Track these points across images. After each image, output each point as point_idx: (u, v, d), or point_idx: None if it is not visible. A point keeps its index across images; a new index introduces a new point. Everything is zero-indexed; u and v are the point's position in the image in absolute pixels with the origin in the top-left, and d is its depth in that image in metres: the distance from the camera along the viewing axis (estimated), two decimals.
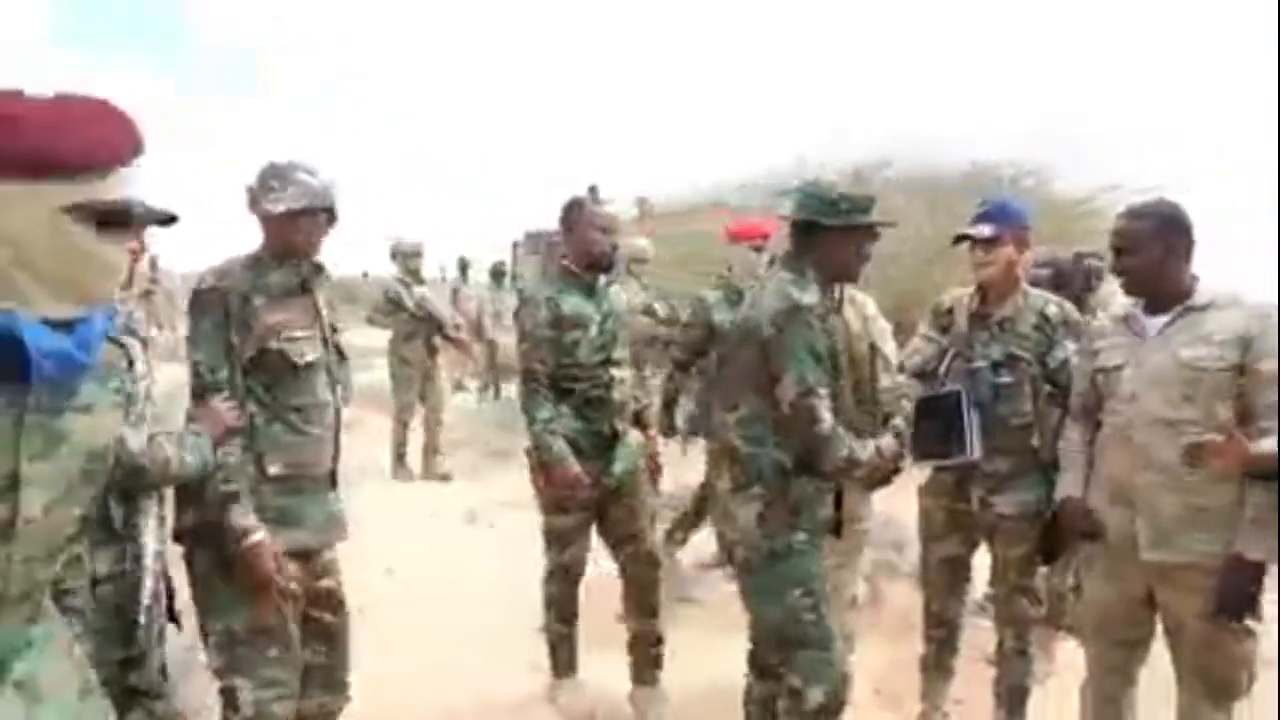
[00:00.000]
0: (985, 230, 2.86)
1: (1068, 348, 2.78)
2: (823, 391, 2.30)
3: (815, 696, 2.34)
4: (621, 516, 3.29)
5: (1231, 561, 2.23)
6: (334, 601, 2.48)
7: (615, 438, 3.24)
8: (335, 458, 2.41)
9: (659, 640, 3.31)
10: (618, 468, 3.24)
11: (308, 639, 2.39)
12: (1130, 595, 2.44)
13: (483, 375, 9.58)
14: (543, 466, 3.17)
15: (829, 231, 2.40)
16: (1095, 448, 2.55)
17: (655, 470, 3.53)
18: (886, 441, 2.48)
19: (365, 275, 25.92)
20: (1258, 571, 2.23)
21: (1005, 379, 2.82)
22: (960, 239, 2.94)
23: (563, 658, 3.39)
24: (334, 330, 2.46)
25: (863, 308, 3.23)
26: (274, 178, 2.30)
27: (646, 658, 3.29)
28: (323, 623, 2.45)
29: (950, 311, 2.99)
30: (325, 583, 2.45)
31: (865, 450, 2.39)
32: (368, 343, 18.23)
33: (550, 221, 11.51)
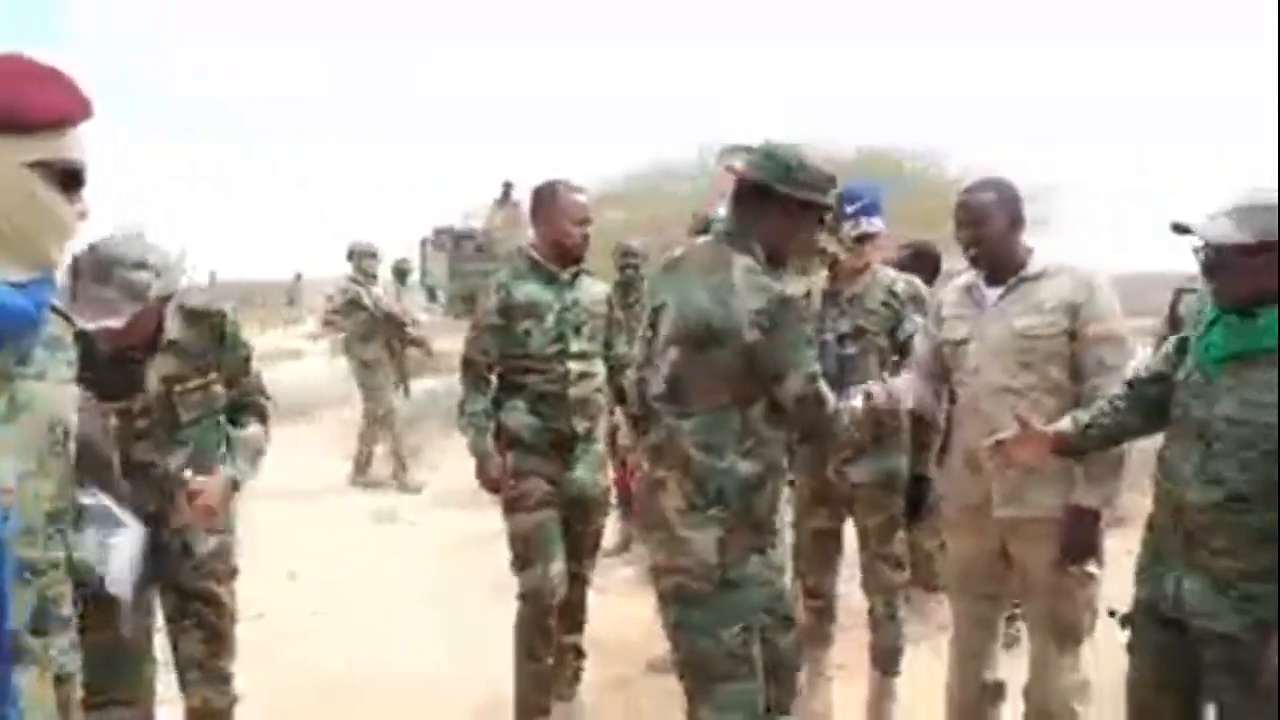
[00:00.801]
0: (878, 224, 2.98)
1: (916, 321, 2.91)
2: (820, 377, 2.20)
3: None
4: (575, 537, 3.07)
5: (1071, 511, 2.38)
6: (214, 599, 2.47)
7: (576, 439, 3.01)
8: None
9: (580, 654, 3.21)
10: (578, 473, 3.02)
11: (190, 633, 2.41)
12: (987, 551, 2.58)
13: (392, 374, 9.44)
14: (478, 469, 3.01)
15: (779, 201, 2.17)
16: (952, 419, 2.70)
17: (621, 488, 3.38)
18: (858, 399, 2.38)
19: (299, 277, 25.36)
20: (1095, 519, 2.38)
21: (850, 350, 2.95)
22: (861, 238, 2.97)
23: (527, 700, 3.01)
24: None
25: None
26: (93, 276, 1.99)
27: (563, 672, 3.16)
28: (204, 619, 2.44)
29: (809, 294, 3.08)
30: (204, 583, 2.44)
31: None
32: (272, 344, 17.81)
33: (456, 218, 11.40)
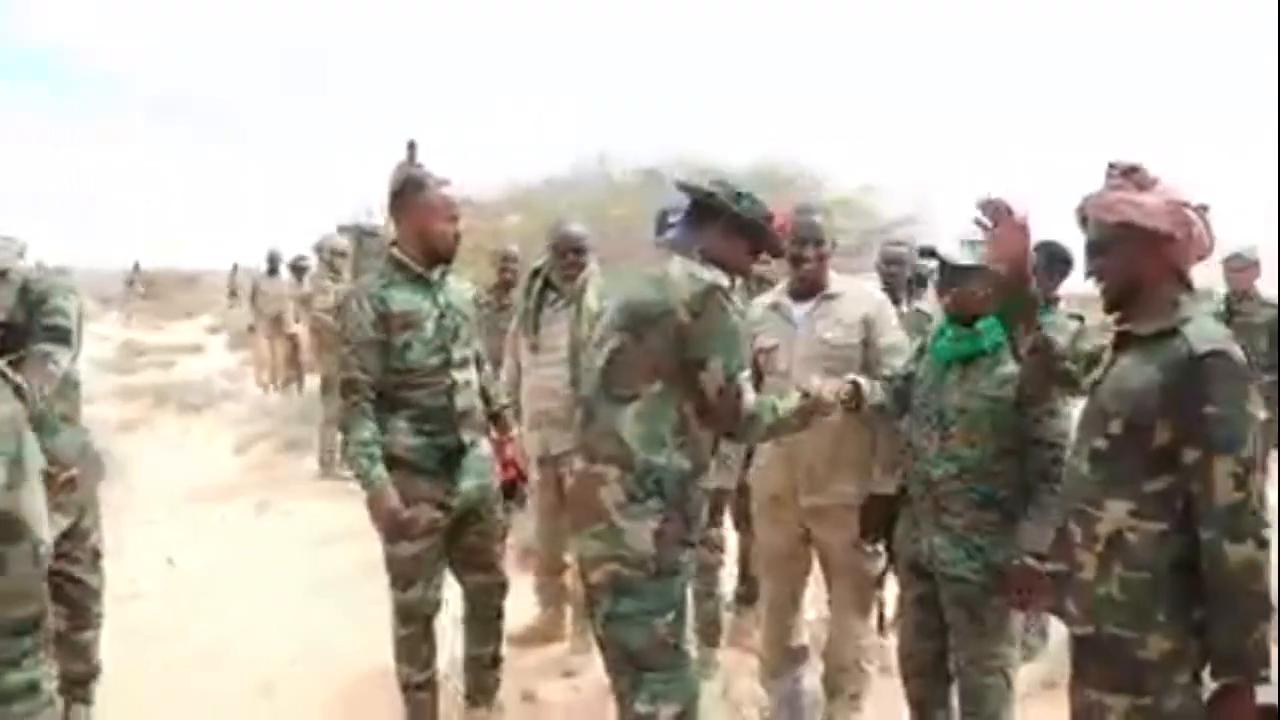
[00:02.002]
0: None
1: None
2: (745, 374, 2.25)
3: (667, 715, 2.24)
4: (472, 543, 2.95)
5: (868, 498, 2.75)
6: (72, 577, 2.67)
7: (463, 450, 2.86)
8: None
9: (497, 662, 3.08)
10: (465, 484, 2.85)
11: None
12: (792, 536, 2.93)
13: (284, 370, 9.50)
14: (371, 503, 2.75)
15: (726, 220, 2.31)
16: None
17: (518, 478, 3.17)
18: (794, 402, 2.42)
19: (235, 268, 24.88)
20: (888, 503, 2.71)
21: None
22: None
23: (416, 710, 2.92)
24: None
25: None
26: None
27: (484, 681, 3.06)
28: (64, 594, 2.61)
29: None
30: (60, 564, 2.58)
31: (787, 403, 2.37)
32: (172, 339, 17.42)
33: (363, 216, 11.34)
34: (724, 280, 2.24)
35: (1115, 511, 1.84)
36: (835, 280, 2.92)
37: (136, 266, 25.06)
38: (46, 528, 1.23)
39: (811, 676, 3.06)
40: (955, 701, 2.52)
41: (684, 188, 2.41)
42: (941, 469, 2.40)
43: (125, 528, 4.31)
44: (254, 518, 5.89)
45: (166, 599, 4.24)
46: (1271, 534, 1.74)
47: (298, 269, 9.93)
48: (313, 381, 8.46)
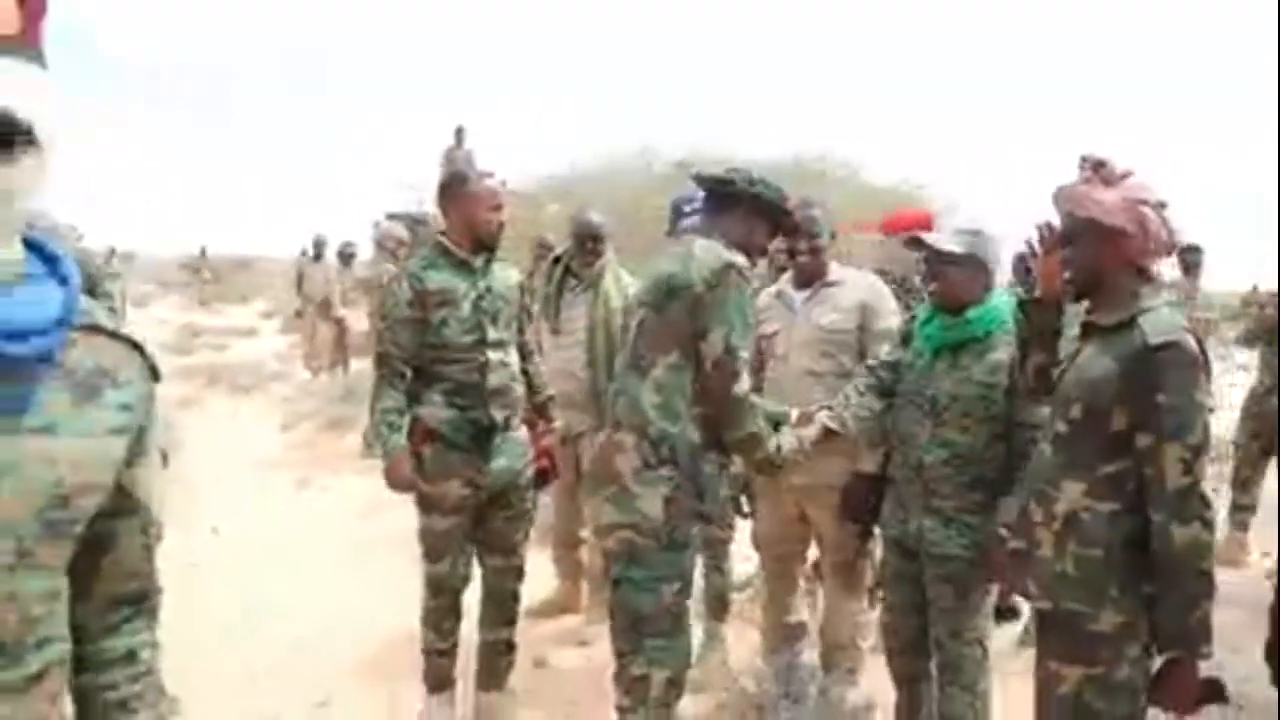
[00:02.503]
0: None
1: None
2: (744, 355, 2.32)
3: (659, 679, 2.35)
4: (499, 528, 3.04)
5: (851, 478, 2.85)
6: None
7: (494, 429, 2.96)
8: None
9: (511, 648, 3.15)
10: (497, 464, 2.96)
11: None
12: (787, 515, 3.05)
13: (331, 353, 9.81)
14: (386, 471, 2.90)
15: (742, 203, 2.42)
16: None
17: (550, 470, 3.25)
18: (790, 438, 2.52)
19: (203, 252, 25.78)
20: (872, 482, 2.79)
21: None
22: None
23: (434, 672, 3.06)
24: None
25: (625, 286, 3.69)
26: None
27: (496, 665, 3.14)
28: None
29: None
30: None
31: (772, 438, 2.43)
32: (228, 322, 17.94)
33: (403, 205, 11.65)
34: (742, 260, 2.34)
35: (1071, 492, 1.94)
36: (835, 270, 3.03)
37: (203, 252, 25.72)
38: (159, 506, 1.25)
39: (810, 652, 3.18)
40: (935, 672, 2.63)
41: (700, 179, 2.53)
42: (933, 454, 2.46)
43: (175, 499, 4.57)
44: (295, 492, 6.17)
45: (212, 566, 4.49)
46: (1214, 516, 1.83)
47: (345, 256, 10.23)
48: (363, 364, 8.76)
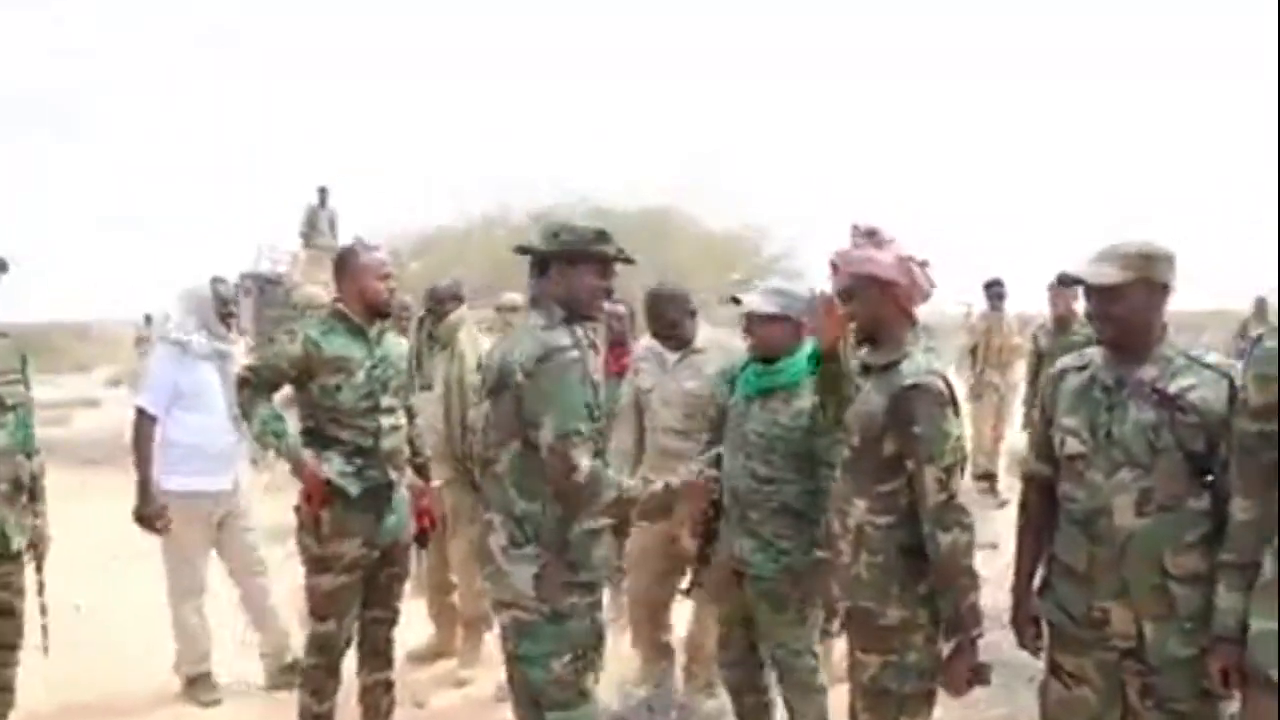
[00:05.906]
0: None
1: None
2: (581, 432, 2.27)
3: None
4: (383, 584, 3.20)
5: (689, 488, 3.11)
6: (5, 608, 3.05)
7: (391, 487, 3.14)
8: None
9: (390, 686, 3.29)
10: (390, 521, 3.13)
11: None
12: (660, 537, 3.37)
13: None
14: (295, 470, 3.00)
15: (551, 261, 2.41)
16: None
17: (430, 529, 3.40)
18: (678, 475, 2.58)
19: (149, 319, 24.36)
20: (715, 506, 3.08)
21: None
22: None
23: None
24: None
25: (480, 344, 3.97)
26: None
27: (379, 705, 3.26)
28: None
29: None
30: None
31: (639, 486, 2.43)
32: (58, 394, 16.89)
33: (264, 265, 11.57)
34: (564, 340, 2.31)
35: (859, 508, 2.34)
36: (704, 336, 3.49)
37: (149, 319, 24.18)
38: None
39: (676, 669, 3.55)
40: (770, 681, 2.98)
41: (518, 249, 2.53)
42: (744, 483, 2.83)
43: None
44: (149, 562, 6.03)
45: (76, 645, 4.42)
46: (971, 521, 2.24)
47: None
48: None
